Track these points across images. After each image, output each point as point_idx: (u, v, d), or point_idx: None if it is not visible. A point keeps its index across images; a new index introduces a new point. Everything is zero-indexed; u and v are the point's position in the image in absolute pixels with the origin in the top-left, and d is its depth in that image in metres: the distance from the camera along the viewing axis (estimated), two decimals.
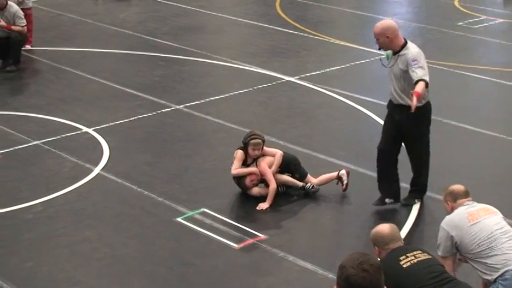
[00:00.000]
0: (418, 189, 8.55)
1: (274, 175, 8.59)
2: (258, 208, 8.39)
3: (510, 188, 9.12)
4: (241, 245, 7.69)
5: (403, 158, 8.55)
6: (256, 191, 8.65)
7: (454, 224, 6.09)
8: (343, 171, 8.80)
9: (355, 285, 3.28)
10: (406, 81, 7.96)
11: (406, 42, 8.05)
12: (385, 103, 11.67)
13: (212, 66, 13.56)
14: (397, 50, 8.04)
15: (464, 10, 18.22)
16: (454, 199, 6.29)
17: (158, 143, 10.31)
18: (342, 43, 15.16)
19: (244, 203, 8.61)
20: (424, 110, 8.16)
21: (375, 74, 13.57)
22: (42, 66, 13.39)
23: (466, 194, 6.32)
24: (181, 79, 12.84)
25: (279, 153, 8.75)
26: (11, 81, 12.57)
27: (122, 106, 11.44)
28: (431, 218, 8.12)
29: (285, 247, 7.64)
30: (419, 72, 7.77)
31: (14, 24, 12.89)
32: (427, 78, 7.81)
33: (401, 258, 5.45)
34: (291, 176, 8.82)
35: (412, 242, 7.63)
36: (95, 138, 10.20)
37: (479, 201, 6.32)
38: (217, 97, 11.89)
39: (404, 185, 8.54)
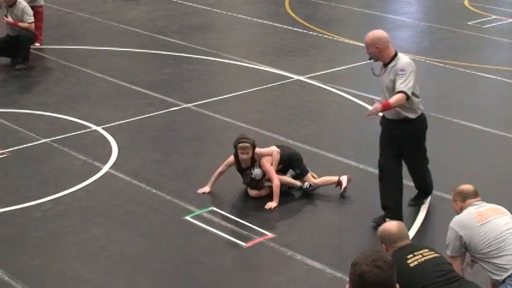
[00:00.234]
0: (425, 190, 8.49)
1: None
2: (266, 207, 8.39)
3: None
4: (249, 243, 7.68)
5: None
6: (254, 193, 8.64)
7: (463, 224, 6.07)
8: (344, 177, 8.76)
9: (369, 282, 3.25)
10: (392, 93, 7.71)
11: (396, 54, 7.84)
12: None
13: (221, 65, 13.56)
14: (387, 62, 7.83)
15: (475, 10, 18.16)
16: (463, 199, 6.27)
17: (167, 141, 10.31)
18: (351, 42, 15.14)
19: (253, 201, 8.60)
20: (418, 122, 7.95)
21: None
22: (51, 64, 13.42)
23: (475, 194, 6.30)
24: (190, 77, 12.84)
25: (275, 151, 8.74)
26: (20, 79, 12.59)
27: (130, 104, 11.45)
28: (440, 217, 8.10)
29: (293, 246, 7.63)
30: (402, 84, 7.54)
31: (22, 21, 12.90)
32: (407, 91, 7.53)
33: (408, 256, 5.44)
34: (292, 171, 8.85)
35: (420, 241, 7.61)
36: (104, 136, 10.21)
37: (488, 201, 6.29)
38: (226, 96, 11.89)
39: (409, 183, 8.51)
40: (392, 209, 7.93)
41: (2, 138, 10.07)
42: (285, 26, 16.24)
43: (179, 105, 11.42)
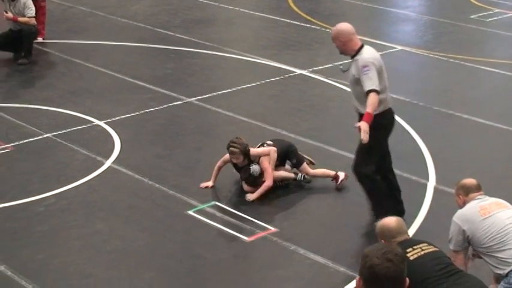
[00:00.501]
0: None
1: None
2: (246, 197, 8.42)
3: None
4: (252, 238, 7.68)
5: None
6: (248, 188, 8.62)
7: (466, 218, 6.07)
8: (341, 173, 8.77)
9: (380, 275, 3.24)
10: (359, 88, 7.45)
11: (362, 47, 7.56)
12: (397, 96, 11.70)
13: (223, 59, 13.54)
14: (352, 55, 7.61)
15: (477, 3, 18.13)
16: (466, 193, 6.26)
17: (169, 135, 10.31)
18: None
19: None
20: (380, 119, 7.48)
21: (387, 67, 13.42)
22: (54, 59, 13.41)
23: (478, 188, 6.29)
24: (193, 72, 12.83)
25: (272, 150, 8.70)
26: (23, 74, 12.59)
27: (133, 99, 11.44)
28: (442, 211, 8.08)
29: (296, 240, 7.63)
30: (369, 83, 7.27)
31: (24, 15, 12.89)
32: (376, 88, 7.27)
33: (408, 250, 5.43)
34: (289, 162, 8.88)
35: (423, 235, 7.58)
36: (106, 130, 10.21)
37: (491, 195, 6.29)
38: (228, 90, 11.88)
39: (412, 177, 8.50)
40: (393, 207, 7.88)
41: (4, 132, 10.08)
42: (288, 20, 16.22)
43: (182, 100, 11.41)
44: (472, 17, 16.86)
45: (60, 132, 10.11)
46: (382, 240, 5.63)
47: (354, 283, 6.88)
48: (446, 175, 8.93)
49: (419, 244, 5.53)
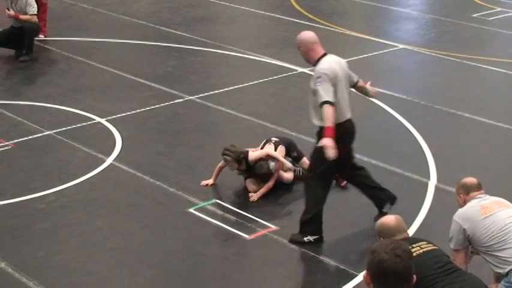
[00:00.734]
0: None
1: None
2: (250, 197, 8.42)
3: None
4: (253, 236, 7.68)
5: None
6: (251, 187, 8.60)
7: (467, 216, 6.06)
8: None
9: (388, 270, 3.23)
10: (314, 99, 7.30)
11: (323, 56, 7.41)
12: (398, 95, 11.72)
13: (225, 57, 13.54)
14: (313, 64, 7.50)
15: (479, 2, 18.11)
16: (467, 192, 6.25)
17: (170, 133, 10.31)
18: (356, 34, 15.11)
19: None
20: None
21: (389, 65, 13.53)
22: (55, 56, 13.41)
23: (478, 187, 6.28)
24: (194, 70, 12.82)
25: (270, 151, 8.70)
26: (24, 71, 12.59)
27: (134, 96, 11.44)
28: (443, 210, 8.08)
29: None
30: (323, 95, 7.10)
31: (26, 13, 12.89)
32: (330, 99, 7.10)
33: None
34: (289, 157, 8.89)
35: (424, 234, 7.58)
36: (108, 128, 10.21)
37: (491, 194, 6.28)
38: (230, 88, 11.87)
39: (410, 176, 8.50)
40: (379, 198, 8.00)
41: (5, 130, 10.08)
42: (290, 18, 16.21)
43: (183, 98, 11.41)
44: (474, 15, 16.85)
45: (61, 129, 10.11)
46: (381, 238, 5.63)
47: (354, 281, 6.89)
48: (447, 174, 8.93)
49: (418, 242, 5.53)
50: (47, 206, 8.18)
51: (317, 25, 15.75)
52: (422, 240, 5.58)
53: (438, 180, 8.88)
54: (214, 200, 8.32)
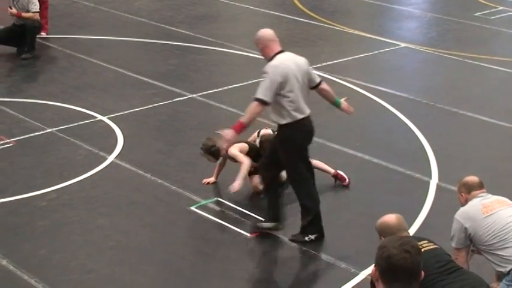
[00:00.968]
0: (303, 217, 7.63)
1: None
2: (230, 189, 8.04)
3: None
4: (254, 234, 7.67)
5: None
6: (255, 182, 8.56)
7: (468, 215, 6.05)
8: (342, 174, 8.70)
9: (397, 265, 3.23)
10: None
11: (277, 53, 7.43)
12: (400, 93, 11.71)
13: (227, 55, 13.53)
14: (268, 61, 7.53)
15: (481, 1, 18.10)
16: (469, 191, 6.25)
17: (172, 131, 10.30)
18: (358, 33, 15.10)
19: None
20: (286, 130, 7.27)
21: (391, 64, 13.53)
22: (57, 54, 13.40)
23: (480, 186, 6.28)
24: (196, 68, 12.82)
25: (233, 151, 8.50)
26: (26, 69, 12.58)
27: (136, 94, 11.44)
28: (445, 208, 8.07)
29: None
30: (258, 90, 7.17)
31: (28, 10, 12.89)
32: (262, 97, 7.10)
33: None
34: None
35: (425, 232, 7.58)
36: (109, 126, 10.20)
37: (493, 193, 6.28)
38: (231, 86, 11.87)
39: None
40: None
41: (7, 127, 10.08)
42: (291, 17, 16.20)
43: (185, 96, 11.40)
44: (476, 14, 16.84)
45: (63, 127, 10.10)
46: (382, 238, 5.62)
47: (355, 280, 6.88)
48: (449, 173, 8.92)
49: (419, 241, 5.51)
50: (48, 204, 8.18)
51: (319, 23, 15.74)
52: (424, 239, 5.58)
53: (440, 179, 8.87)
54: (215, 198, 8.32)
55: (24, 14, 12.86)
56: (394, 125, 10.58)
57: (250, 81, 12.13)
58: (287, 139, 7.33)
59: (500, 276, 6.05)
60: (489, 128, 10.59)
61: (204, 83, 11.98)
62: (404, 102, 11.38)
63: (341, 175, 8.74)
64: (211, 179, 8.66)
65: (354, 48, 14.06)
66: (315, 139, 9.83)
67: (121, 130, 10.02)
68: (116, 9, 16.26)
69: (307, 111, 7.35)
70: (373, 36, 14.87)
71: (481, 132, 10.53)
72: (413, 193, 8.59)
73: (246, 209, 8.15)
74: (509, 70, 13.06)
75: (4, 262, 7.04)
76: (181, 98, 11.30)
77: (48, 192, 8.40)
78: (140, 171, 8.91)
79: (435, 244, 5.55)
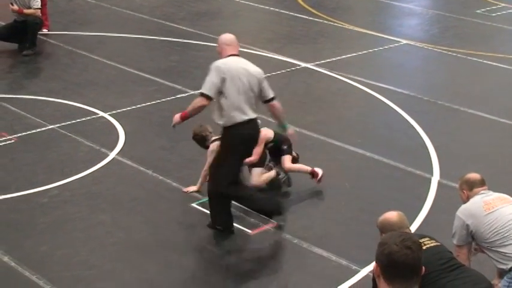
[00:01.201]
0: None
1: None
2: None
3: None
4: (256, 231, 7.68)
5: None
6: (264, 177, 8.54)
7: (470, 212, 6.06)
8: (319, 169, 8.54)
9: (399, 262, 3.23)
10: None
11: (229, 56, 7.49)
12: (402, 90, 11.71)
13: None
14: None
15: None
16: (470, 188, 6.25)
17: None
18: (359, 30, 15.09)
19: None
20: (225, 133, 7.38)
21: (392, 61, 13.52)
22: (58, 51, 13.40)
23: (482, 183, 6.28)
24: (198, 64, 12.80)
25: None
26: (27, 65, 12.59)
27: (137, 91, 11.44)
28: (446, 205, 8.07)
29: (299, 234, 7.62)
30: (203, 84, 7.31)
31: (29, 7, 12.89)
32: (205, 91, 7.24)
33: None
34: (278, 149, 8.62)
35: (427, 229, 7.58)
36: (111, 122, 10.21)
37: (494, 190, 6.28)
38: None
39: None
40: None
41: (9, 123, 10.08)
42: (293, 13, 16.20)
43: (186, 92, 11.40)
44: (477, 11, 16.83)
45: (64, 123, 10.11)
46: (383, 234, 5.62)
47: (357, 277, 6.89)
48: (451, 170, 8.92)
49: (421, 239, 5.52)
50: (50, 200, 8.18)
51: (320, 20, 15.73)
52: (425, 236, 5.58)
53: (441, 175, 8.87)
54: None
55: (26, 11, 12.87)
56: (395, 122, 10.57)
57: None
58: (223, 140, 7.46)
59: (501, 274, 6.05)
60: (490, 125, 10.58)
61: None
62: (406, 99, 11.38)
63: (316, 172, 8.54)
64: (194, 188, 8.42)
65: (355, 45, 14.06)
66: (316, 135, 9.88)
67: (122, 127, 10.02)
68: (117, 6, 16.25)
69: (250, 116, 7.35)
70: (375, 33, 14.87)
71: (482, 129, 10.52)
72: (415, 190, 8.60)
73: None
74: (510, 67, 13.05)
75: (6, 258, 7.05)
76: (182, 95, 11.30)
77: (50, 188, 8.41)
78: (142, 168, 8.91)
79: (437, 241, 5.55)
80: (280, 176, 8.55)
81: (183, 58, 13.14)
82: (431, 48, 14.04)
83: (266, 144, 8.52)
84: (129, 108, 10.70)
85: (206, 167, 8.23)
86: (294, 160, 8.71)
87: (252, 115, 7.36)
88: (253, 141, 7.60)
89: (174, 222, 7.84)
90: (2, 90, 11.29)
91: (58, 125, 10.06)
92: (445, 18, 16.39)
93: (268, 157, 8.68)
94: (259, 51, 13.50)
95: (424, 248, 5.41)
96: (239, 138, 7.36)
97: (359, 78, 12.10)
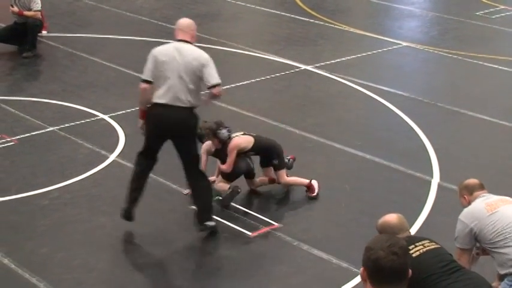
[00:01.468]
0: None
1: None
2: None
3: None
4: (256, 233, 7.68)
5: None
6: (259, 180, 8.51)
7: (473, 215, 6.04)
8: (315, 182, 8.40)
9: (385, 267, 3.25)
10: None
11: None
12: (402, 92, 11.71)
13: (228, 54, 13.53)
14: None
15: (483, 0, 18.09)
16: (470, 192, 6.24)
17: None
18: (359, 32, 15.10)
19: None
20: (147, 116, 7.56)
21: (392, 63, 13.53)
22: (58, 52, 13.41)
23: (481, 187, 6.28)
24: None
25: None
26: (27, 67, 12.59)
27: (137, 93, 11.37)
28: (446, 208, 8.08)
29: (299, 236, 7.63)
30: None
31: (30, 9, 12.90)
32: (142, 75, 7.55)
33: (410, 247, 5.43)
34: (269, 162, 8.50)
35: (427, 232, 7.59)
36: (111, 124, 10.21)
37: (494, 193, 6.28)
38: (233, 85, 11.86)
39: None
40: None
41: (9, 126, 10.08)
42: (292, 15, 16.21)
43: None
44: (477, 13, 16.84)
45: (64, 125, 10.11)
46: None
47: (357, 279, 6.89)
48: (451, 172, 8.93)
49: (421, 241, 5.53)
50: (50, 203, 8.19)
51: (320, 22, 15.74)
52: (425, 239, 5.59)
53: (441, 178, 8.88)
54: (217, 197, 8.31)
55: (26, 13, 12.87)
56: (395, 124, 10.58)
57: (252, 80, 12.16)
58: (146, 119, 7.55)
59: (502, 276, 6.05)
60: (490, 127, 10.59)
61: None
62: (406, 101, 11.38)
63: (312, 186, 8.40)
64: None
65: (355, 47, 14.07)
66: (315, 137, 9.88)
67: (122, 129, 10.03)
68: (117, 8, 16.26)
69: (168, 101, 7.30)
70: (374, 35, 14.88)
71: (482, 132, 10.53)
72: (415, 192, 8.60)
73: (247, 208, 8.15)
74: (510, 69, 13.06)
75: (6, 261, 7.05)
76: None
77: (50, 190, 8.41)
78: None
79: (437, 244, 5.55)
80: (232, 193, 8.24)
81: None
82: (431, 50, 14.05)
83: (244, 153, 8.38)
84: (129, 110, 10.70)
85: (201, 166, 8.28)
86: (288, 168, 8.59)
87: (170, 101, 7.29)
88: (161, 124, 7.46)
89: (174, 224, 7.84)
90: (2, 92, 11.29)
91: (58, 127, 10.07)
92: (445, 21, 16.40)
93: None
94: (259, 53, 13.51)
95: (423, 250, 5.42)
96: (149, 117, 7.48)
97: (359, 81, 12.11)
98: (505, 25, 16.03)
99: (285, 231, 7.71)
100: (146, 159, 7.67)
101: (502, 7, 17.44)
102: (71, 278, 6.86)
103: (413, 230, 7.46)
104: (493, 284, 6.04)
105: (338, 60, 13.26)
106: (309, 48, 14.06)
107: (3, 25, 13.51)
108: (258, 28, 15.89)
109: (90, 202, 8.22)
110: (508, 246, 5.88)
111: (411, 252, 5.40)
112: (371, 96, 11.52)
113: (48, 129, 10.00)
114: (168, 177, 8.73)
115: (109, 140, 9.72)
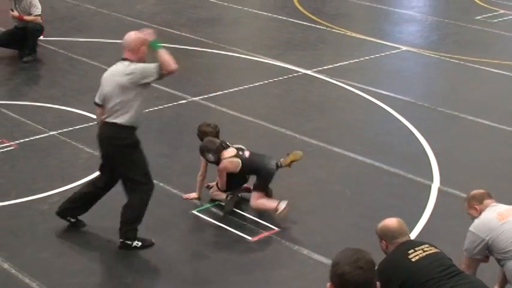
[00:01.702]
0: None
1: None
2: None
3: None
4: (256, 238, 7.68)
5: None
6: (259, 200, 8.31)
7: (487, 227, 5.98)
8: (283, 203, 7.98)
9: (351, 282, 3.30)
10: None
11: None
12: (401, 97, 11.72)
13: (228, 59, 13.54)
14: None
15: (483, 4, 18.11)
16: (480, 201, 6.18)
17: (174, 134, 10.31)
18: (359, 36, 15.11)
19: None
20: None
21: (392, 67, 13.53)
22: (59, 57, 13.41)
23: (489, 196, 6.25)
24: (198, 71, 12.83)
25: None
26: (27, 72, 12.59)
27: None
28: (446, 212, 8.09)
29: (300, 240, 7.63)
30: None
31: (30, 13, 12.91)
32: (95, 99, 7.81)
33: (409, 252, 5.44)
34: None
35: (427, 236, 7.58)
36: None
37: (495, 196, 6.28)
38: (233, 89, 11.88)
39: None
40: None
41: (9, 130, 10.09)
42: (293, 20, 16.22)
43: (186, 99, 11.41)
44: (477, 18, 16.85)
45: (64, 130, 10.11)
46: (383, 241, 5.63)
47: None
48: (451, 176, 8.93)
49: (421, 245, 5.53)
50: (51, 207, 8.16)
51: (320, 26, 15.76)
52: (425, 243, 5.59)
53: (441, 182, 8.87)
54: (217, 202, 8.31)
55: (26, 17, 12.88)
56: (395, 129, 10.58)
57: (252, 85, 12.17)
58: None
59: (503, 280, 6.04)
60: (490, 132, 10.59)
61: (205, 87, 11.98)
62: (406, 106, 11.39)
63: (278, 207, 8.01)
64: (194, 195, 8.40)
65: (355, 52, 14.07)
66: (315, 142, 9.89)
67: None
68: (117, 12, 16.27)
69: (106, 119, 7.53)
70: (374, 40, 14.89)
71: (482, 136, 10.53)
72: (415, 197, 8.60)
73: (247, 213, 8.15)
74: (510, 74, 13.07)
75: (6, 265, 7.05)
76: (182, 101, 11.32)
77: (50, 195, 8.41)
78: None
79: (436, 248, 5.56)
80: (233, 198, 8.24)
81: (183, 65, 13.10)
82: (431, 54, 14.06)
83: (235, 175, 8.22)
84: None
85: (200, 172, 8.32)
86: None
87: (108, 118, 7.51)
88: (100, 142, 7.58)
89: (174, 229, 7.84)
90: (2, 97, 11.30)
91: (58, 131, 10.07)
92: (445, 25, 16.41)
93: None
94: (259, 57, 13.52)
95: (423, 254, 5.43)
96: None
97: (359, 85, 12.11)
98: (505, 29, 16.04)
99: (285, 235, 7.71)
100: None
101: (502, 11, 17.46)
102: (71, 283, 6.85)
103: (413, 235, 7.46)
104: None
105: (338, 64, 13.26)
106: (309, 52, 14.07)
107: (3, 29, 13.52)
108: (258, 33, 15.90)
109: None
110: None
111: (410, 256, 5.41)
112: (371, 101, 11.52)
113: (48, 134, 10.00)
114: (168, 182, 8.73)
115: None
